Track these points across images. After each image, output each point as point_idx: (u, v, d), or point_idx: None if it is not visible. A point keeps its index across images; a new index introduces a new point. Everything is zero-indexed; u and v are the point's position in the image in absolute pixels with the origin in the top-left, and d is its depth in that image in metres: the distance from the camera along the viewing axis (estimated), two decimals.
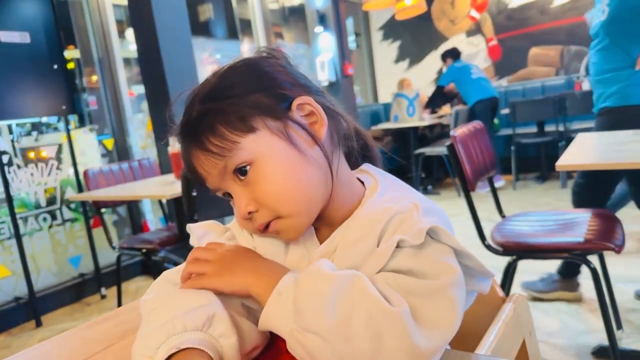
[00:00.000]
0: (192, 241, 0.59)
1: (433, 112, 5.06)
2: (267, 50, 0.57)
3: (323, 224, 0.56)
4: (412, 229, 0.46)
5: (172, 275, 0.55)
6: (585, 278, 1.59)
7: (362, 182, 0.58)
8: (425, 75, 6.08)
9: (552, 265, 2.41)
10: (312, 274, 0.44)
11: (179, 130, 0.53)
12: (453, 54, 4.72)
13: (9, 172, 2.83)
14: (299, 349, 0.43)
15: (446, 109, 5.09)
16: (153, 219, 3.53)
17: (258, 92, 0.51)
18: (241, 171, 0.50)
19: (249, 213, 0.51)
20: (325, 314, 0.41)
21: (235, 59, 0.55)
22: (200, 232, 0.59)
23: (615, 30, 1.90)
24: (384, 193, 0.55)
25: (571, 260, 1.49)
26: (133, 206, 3.42)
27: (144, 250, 2.30)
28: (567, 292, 2.09)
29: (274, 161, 0.50)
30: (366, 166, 0.61)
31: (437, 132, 5.10)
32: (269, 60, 0.55)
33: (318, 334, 0.41)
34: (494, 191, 1.95)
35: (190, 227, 0.60)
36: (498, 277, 1.73)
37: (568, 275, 2.11)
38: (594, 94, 2.07)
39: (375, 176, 0.58)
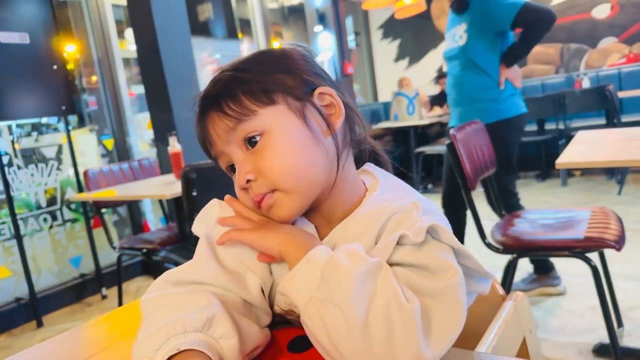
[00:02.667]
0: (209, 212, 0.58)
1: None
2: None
3: (323, 221, 0.56)
4: (412, 227, 0.46)
5: (172, 275, 0.54)
6: (586, 276, 1.59)
7: (364, 183, 0.59)
8: (425, 73, 6.08)
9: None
10: (346, 251, 0.45)
11: (201, 95, 0.55)
12: None
13: (9, 173, 2.83)
14: (315, 317, 0.43)
15: (437, 110, 5.13)
16: (153, 219, 3.54)
17: (284, 73, 0.53)
18: (250, 142, 0.52)
19: (248, 182, 0.52)
20: (351, 292, 0.41)
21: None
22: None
23: (476, 54, 2.11)
24: (383, 192, 0.55)
25: (571, 257, 1.49)
26: (133, 206, 3.42)
27: (144, 250, 2.30)
28: (549, 287, 2.14)
29: (285, 135, 0.51)
30: (368, 166, 0.62)
31: (437, 131, 5.10)
32: (298, 51, 0.57)
33: (339, 307, 0.41)
34: (494, 189, 1.95)
35: (217, 201, 0.58)
36: (498, 275, 1.73)
37: (544, 271, 2.17)
38: (456, 111, 2.27)
39: (376, 176, 0.59)
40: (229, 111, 0.51)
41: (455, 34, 2.17)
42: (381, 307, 0.41)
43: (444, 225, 0.46)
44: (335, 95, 0.55)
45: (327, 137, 0.54)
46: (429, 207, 0.52)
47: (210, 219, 0.57)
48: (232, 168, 0.55)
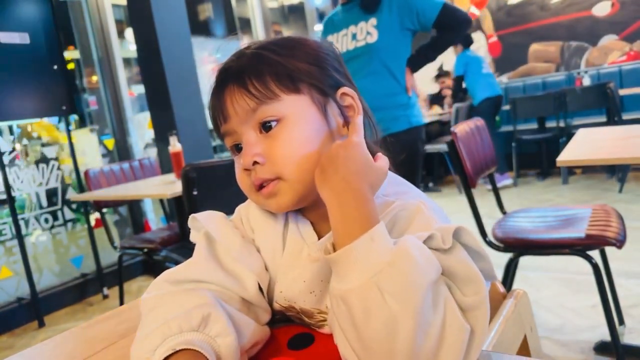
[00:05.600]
0: (194, 226, 0.59)
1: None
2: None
3: (320, 217, 0.56)
4: (426, 226, 0.45)
5: (171, 274, 0.54)
6: (587, 274, 1.59)
7: None
8: (424, 72, 6.06)
9: (552, 262, 2.41)
10: (418, 248, 0.41)
11: (221, 67, 0.54)
12: (464, 41, 4.47)
13: (10, 173, 2.83)
14: (369, 304, 0.39)
15: (437, 108, 5.13)
16: (154, 219, 3.54)
17: (313, 65, 0.53)
18: (265, 126, 0.51)
19: (254, 164, 0.51)
20: (422, 296, 0.38)
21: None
22: (204, 217, 0.58)
23: (387, 54, 1.89)
24: (384, 188, 0.55)
25: (572, 255, 1.49)
26: (134, 206, 3.42)
27: (145, 250, 2.30)
28: None
29: (303, 125, 0.51)
30: None
31: (437, 130, 5.10)
32: (328, 47, 0.57)
33: (403, 308, 0.38)
34: (495, 188, 1.95)
35: (195, 216, 0.58)
36: (499, 274, 1.72)
37: None
38: None
39: None
40: (252, 89, 0.50)
41: (358, 31, 1.91)
42: (439, 318, 0.39)
43: (444, 223, 0.46)
44: (356, 97, 0.55)
45: (343, 137, 0.53)
46: (432, 204, 0.51)
47: (202, 228, 0.57)
48: (236, 147, 0.54)
